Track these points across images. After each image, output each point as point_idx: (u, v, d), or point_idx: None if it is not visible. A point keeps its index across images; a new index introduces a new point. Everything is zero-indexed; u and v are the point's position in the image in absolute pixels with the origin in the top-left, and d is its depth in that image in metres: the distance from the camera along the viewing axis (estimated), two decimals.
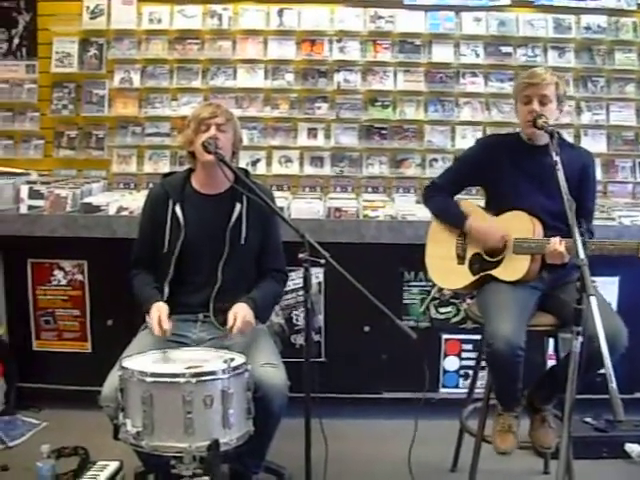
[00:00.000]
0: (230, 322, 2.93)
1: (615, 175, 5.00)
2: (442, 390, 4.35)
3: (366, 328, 4.19)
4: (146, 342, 3.01)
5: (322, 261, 2.64)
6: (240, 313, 2.95)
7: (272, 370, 2.90)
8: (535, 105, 3.14)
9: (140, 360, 2.71)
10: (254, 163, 4.91)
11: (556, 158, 2.72)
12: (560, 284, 3.16)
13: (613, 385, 2.17)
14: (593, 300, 2.31)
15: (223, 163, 2.99)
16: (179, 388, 2.48)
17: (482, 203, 3.48)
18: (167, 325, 2.90)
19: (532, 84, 3.17)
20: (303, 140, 4.93)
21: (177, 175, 3.32)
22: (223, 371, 2.55)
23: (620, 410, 2.15)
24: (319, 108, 4.92)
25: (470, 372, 3.93)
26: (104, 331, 4.24)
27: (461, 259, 3.37)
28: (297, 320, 4.22)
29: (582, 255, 2.43)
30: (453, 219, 3.41)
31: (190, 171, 3.28)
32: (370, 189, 4.93)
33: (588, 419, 3.92)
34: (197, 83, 4.91)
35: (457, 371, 4.35)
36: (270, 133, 4.94)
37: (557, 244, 2.97)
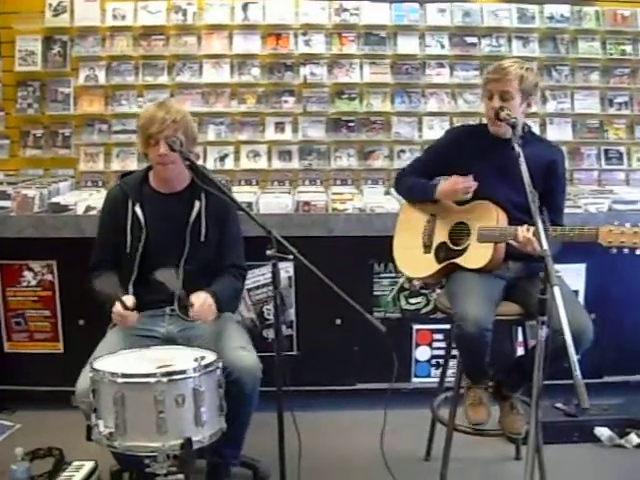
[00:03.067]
0: (192, 302, 2.93)
1: (581, 163, 5.06)
2: (414, 380, 4.39)
3: (337, 321, 4.22)
4: (116, 340, 3.04)
5: (290, 256, 2.66)
6: (201, 297, 2.97)
7: (244, 353, 2.97)
8: (495, 101, 3.16)
9: (110, 361, 2.71)
10: (222, 158, 4.90)
11: (518, 150, 2.74)
12: (525, 274, 3.21)
13: (577, 374, 2.19)
14: (557, 290, 2.34)
15: (188, 161, 3.01)
16: (150, 388, 2.48)
17: None
18: (129, 310, 2.89)
19: (494, 79, 3.19)
20: (271, 134, 4.92)
21: (135, 175, 3.33)
22: (194, 369, 2.56)
23: (585, 398, 2.18)
24: (286, 102, 4.91)
25: (441, 361, 3.96)
26: (76, 331, 4.22)
27: (427, 248, 3.42)
28: (268, 314, 4.23)
29: (545, 245, 2.46)
30: (423, 191, 3.45)
31: (148, 169, 3.28)
32: (339, 182, 4.95)
33: (558, 404, 3.98)
34: (163, 79, 4.87)
35: (429, 361, 4.40)
36: (237, 128, 4.92)
37: (525, 231, 3.01)
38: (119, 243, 3.17)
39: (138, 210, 3.17)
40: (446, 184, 3.37)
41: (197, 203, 3.19)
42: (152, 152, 3.09)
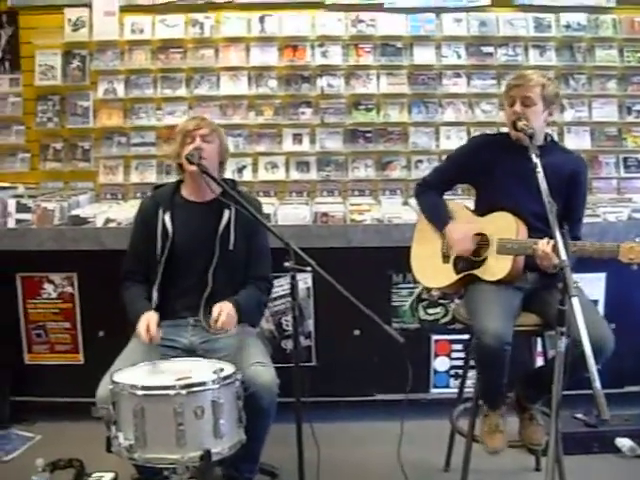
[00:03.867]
0: (215, 314, 2.98)
1: (599, 171, 5.02)
2: (433, 390, 4.37)
3: (356, 332, 4.21)
4: (136, 351, 3.05)
5: (308, 268, 2.68)
6: (225, 307, 3.02)
7: (261, 368, 2.97)
8: (517, 107, 3.16)
9: (130, 373, 2.73)
10: (240, 170, 4.92)
11: (535, 160, 2.75)
12: (543, 285, 3.19)
13: (597, 385, 2.19)
14: (575, 301, 2.33)
15: (207, 175, 3.03)
16: (170, 400, 2.50)
17: (472, 202, 3.52)
18: (155, 332, 2.94)
19: (516, 85, 3.20)
20: (288, 146, 4.94)
21: (167, 186, 3.40)
22: (213, 381, 2.58)
23: (605, 409, 2.18)
24: (303, 113, 4.93)
25: (460, 372, 3.94)
26: (96, 342, 4.24)
27: (446, 258, 3.40)
28: (287, 326, 4.23)
29: (564, 256, 2.45)
30: (438, 220, 3.44)
31: (180, 182, 3.35)
32: (357, 192, 4.95)
33: (578, 415, 3.95)
34: (181, 92, 4.92)
35: (447, 371, 4.38)
36: (255, 140, 4.95)
37: (545, 245, 2.99)
38: (149, 252, 3.23)
39: (167, 218, 3.23)
40: (456, 233, 3.34)
41: (226, 212, 3.23)
42: (186, 151, 3.17)
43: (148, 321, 2.98)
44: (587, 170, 3.43)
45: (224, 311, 3.00)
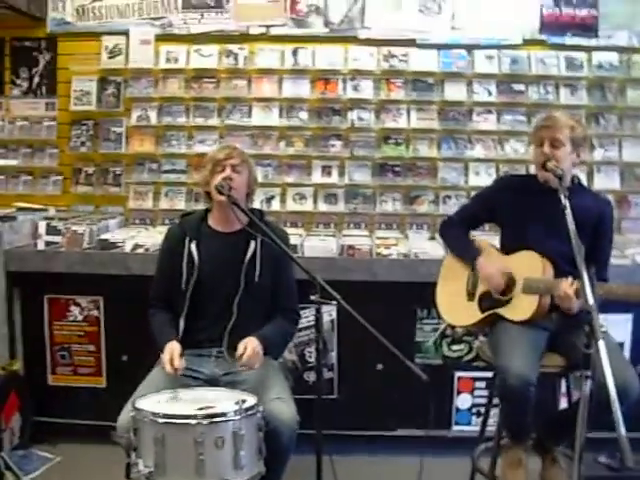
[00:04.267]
0: (240, 351, 2.98)
1: (628, 212, 4.99)
2: (455, 428, 4.33)
3: (379, 366, 4.19)
4: (159, 378, 3.06)
5: (334, 302, 2.68)
6: (250, 344, 3.01)
7: (282, 404, 2.94)
8: (546, 147, 3.16)
9: (153, 400, 2.74)
10: (269, 200, 4.95)
11: (565, 201, 2.75)
12: (569, 326, 3.14)
13: (621, 430, 2.16)
14: (601, 345, 2.31)
15: (235, 206, 3.06)
16: (191, 429, 2.50)
17: (497, 240, 3.51)
18: (178, 363, 2.94)
19: (545, 126, 3.21)
20: (317, 177, 4.97)
21: (194, 215, 3.41)
22: (235, 412, 2.58)
23: (629, 456, 2.15)
24: (333, 146, 4.96)
25: (482, 410, 3.91)
26: (119, 366, 4.27)
27: (471, 296, 3.39)
28: (310, 357, 4.23)
29: (591, 299, 2.44)
30: (466, 253, 3.44)
31: (207, 210, 3.37)
32: (384, 226, 4.95)
33: (601, 458, 3.90)
34: (213, 121, 4.97)
35: (469, 409, 4.34)
36: (285, 170, 4.98)
37: (567, 285, 2.98)
38: (175, 279, 3.23)
39: (193, 248, 3.24)
40: (488, 268, 3.32)
41: (252, 243, 3.23)
42: (216, 180, 3.19)
43: (172, 352, 2.98)
44: (613, 212, 3.42)
45: (249, 347, 2.98)
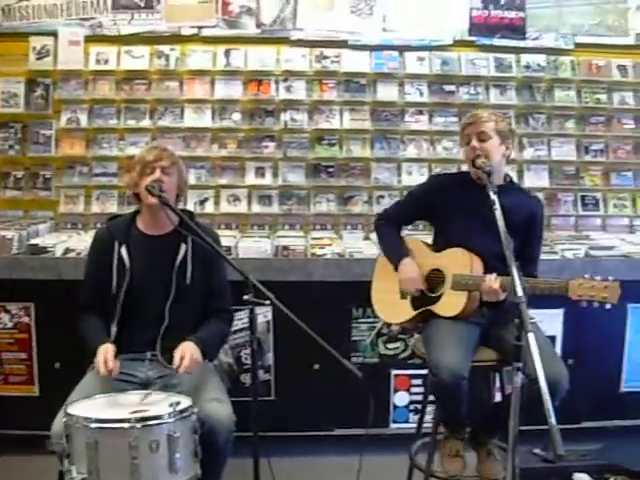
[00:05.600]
0: (177, 361, 2.95)
1: (557, 209, 5.12)
2: (393, 425, 4.37)
3: (316, 366, 4.19)
4: (93, 384, 3.01)
5: (267, 302, 2.67)
6: (187, 352, 2.98)
7: (217, 405, 2.93)
8: (474, 142, 3.21)
9: (85, 405, 2.69)
10: (202, 202, 4.91)
11: (493, 197, 2.79)
12: (500, 321, 3.20)
13: (552, 420, 2.20)
14: (531, 337, 2.35)
15: (167, 206, 3.02)
16: (124, 434, 2.47)
17: (430, 238, 3.55)
18: (112, 365, 2.90)
19: (469, 123, 3.27)
20: (251, 179, 4.95)
21: (122, 217, 3.35)
22: (169, 415, 2.55)
23: (559, 445, 2.19)
24: (266, 147, 4.95)
25: (420, 407, 3.94)
26: (51, 374, 4.17)
27: (404, 293, 3.42)
28: (246, 359, 4.20)
29: (520, 292, 2.48)
30: (393, 254, 3.47)
31: (136, 213, 3.31)
32: (318, 227, 4.96)
33: (536, 450, 3.95)
34: (145, 123, 4.92)
35: (407, 406, 4.38)
36: (218, 172, 4.95)
37: (492, 281, 3.04)
38: (104, 284, 3.18)
39: (124, 252, 3.19)
40: (407, 272, 3.37)
41: (183, 246, 3.20)
42: (145, 182, 3.12)
43: (105, 353, 2.93)
44: (544, 211, 3.49)
45: (187, 356, 2.95)
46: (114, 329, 3.15)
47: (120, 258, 3.18)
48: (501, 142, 3.25)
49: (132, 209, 3.38)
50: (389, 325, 4.21)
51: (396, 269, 3.41)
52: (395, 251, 3.46)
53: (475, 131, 3.23)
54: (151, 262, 3.19)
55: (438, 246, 3.41)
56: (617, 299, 2.88)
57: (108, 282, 3.17)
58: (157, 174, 3.13)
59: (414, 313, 3.37)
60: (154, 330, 3.14)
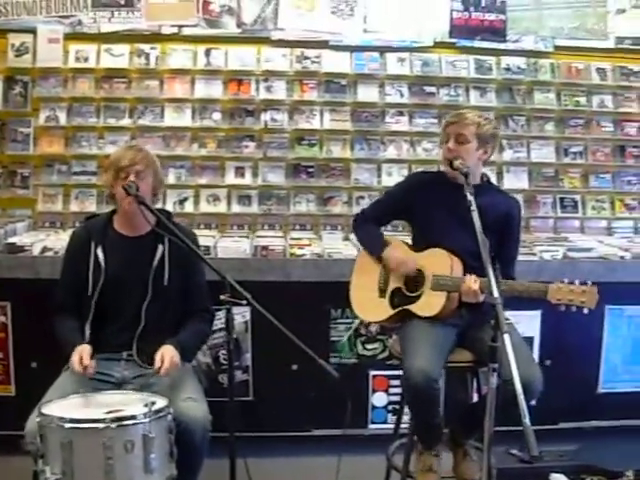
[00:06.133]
0: (157, 364, 2.94)
1: (536, 211, 5.15)
2: (371, 426, 4.37)
3: (294, 366, 4.18)
4: (68, 383, 3.00)
5: (244, 302, 2.67)
6: (167, 355, 2.97)
7: (193, 404, 2.93)
8: (451, 143, 3.22)
9: (60, 405, 2.67)
10: (182, 202, 4.89)
11: (470, 198, 2.80)
12: (478, 322, 3.20)
13: (526, 421, 2.22)
14: (507, 338, 2.36)
15: (144, 206, 3.01)
16: (99, 434, 2.46)
17: (409, 239, 3.55)
18: (88, 362, 2.88)
19: (452, 122, 3.27)
20: (231, 179, 4.94)
21: (99, 217, 3.34)
22: (144, 415, 2.54)
23: (533, 446, 2.20)
24: (246, 147, 4.94)
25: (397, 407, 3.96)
26: (28, 374, 4.12)
27: (382, 292, 3.42)
28: (224, 359, 4.18)
29: (496, 294, 2.49)
30: (374, 248, 3.46)
31: (112, 213, 3.29)
32: (298, 227, 4.96)
33: (513, 451, 3.97)
34: (124, 122, 4.89)
35: (385, 407, 4.38)
36: (198, 172, 4.93)
37: (471, 282, 3.05)
38: (81, 284, 3.16)
39: (99, 252, 3.17)
40: (396, 257, 3.37)
41: (160, 247, 3.19)
42: (120, 186, 3.09)
43: (81, 353, 2.92)
44: (521, 212, 3.50)
45: (167, 359, 2.95)
46: (88, 330, 3.13)
47: (96, 258, 3.17)
48: (479, 147, 3.26)
49: (111, 208, 3.36)
50: (367, 325, 4.21)
51: (380, 260, 3.41)
52: (376, 244, 3.46)
53: (455, 131, 3.23)
54: (127, 263, 3.17)
55: (417, 246, 3.41)
56: (595, 304, 2.91)
57: (84, 282, 3.16)
58: (132, 179, 3.08)
59: (392, 312, 3.36)
60: (130, 331, 3.13)
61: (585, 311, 2.91)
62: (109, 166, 3.19)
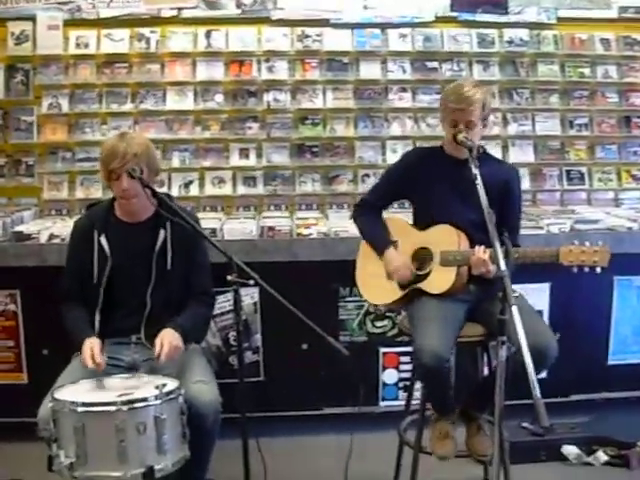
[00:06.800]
0: (157, 349, 2.94)
1: (543, 184, 5.12)
2: (382, 403, 4.38)
3: (304, 346, 4.20)
4: (79, 369, 3.00)
5: (251, 282, 2.67)
6: (166, 339, 2.97)
7: (204, 387, 2.94)
8: (464, 131, 3.14)
9: (71, 390, 2.70)
10: (187, 185, 4.89)
11: (475, 171, 2.79)
12: (488, 296, 3.17)
13: (537, 392, 2.21)
14: (515, 310, 2.36)
15: (148, 189, 3.00)
16: (111, 416, 2.48)
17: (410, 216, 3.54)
18: (100, 359, 2.89)
19: (459, 109, 3.17)
20: (235, 160, 4.93)
21: (100, 205, 3.34)
22: (155, 397, 2.56)
23: (544, 416, 2.20)
24: (250, 128, 4.93)
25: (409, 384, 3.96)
26: (40, 361, 4.16)
27: (390, 275, 3.41)
28: (234, 341, 4.19)
29: (503, 266, 2.48)
30: (377, 243, 3.45)
31: (114, 200, 3.28)
32: (304, 207, 4.96)
33: (525, 424, 3.99)
34: (127, 107, 4.88)
35: (396, 384, 4.39)
36: (202, 154, 4.92)
37: (480, 252, 3.04)
38: (87, 273, 3.17)
39: (103, 240, 3.18)
40: (393, 263, 3.35)
41: (162, 232, 3.18)
42: (115, 186, 3.11)
43: (92, 348, 2.93)
44: (520, 179, 3.47)
45: (166, 344, 2.94)
46: (98, 317, 3.14)
47: (100, 247, 3.17)
48: (483, 125, 3.25)
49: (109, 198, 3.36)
50: (376, 305, 4.21)
51: (381, 257, 3.41)
52: (378, 243, 3.44)
53: (464, 119, 3.16)
54: (130, 249, 3.18)
55: (420, 224, 3.39)
56: (607, 262, 2.92)
57: (89, 271, 3.17)
58: (124, 183, 3.05)
59: (401, 294, 3.35)
60: (137, 316, 3.14)
61: (598, 270, 2.91)
62: (101, 163, 3.15)
